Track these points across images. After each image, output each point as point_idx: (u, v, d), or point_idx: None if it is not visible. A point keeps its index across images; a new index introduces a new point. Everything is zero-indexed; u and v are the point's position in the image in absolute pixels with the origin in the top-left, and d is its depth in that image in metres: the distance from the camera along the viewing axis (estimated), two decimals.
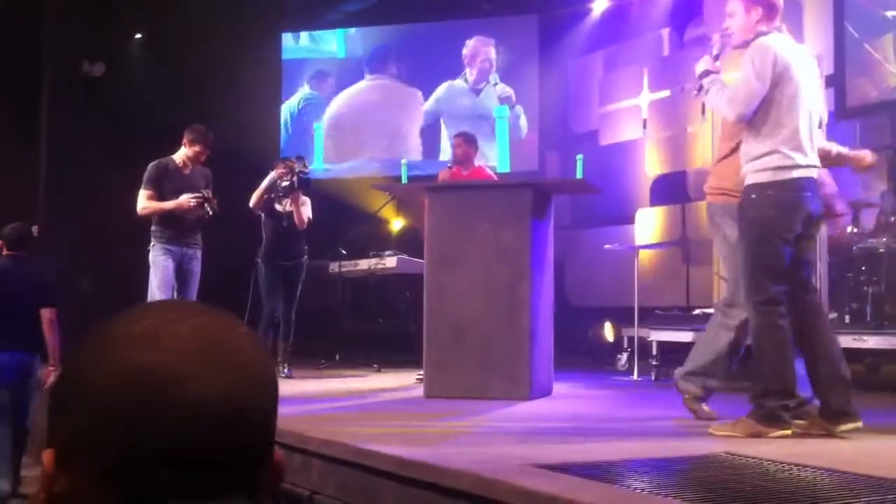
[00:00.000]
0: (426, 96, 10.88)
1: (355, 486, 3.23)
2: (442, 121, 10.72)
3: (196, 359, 0.74)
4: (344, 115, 11.20)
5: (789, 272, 3.67)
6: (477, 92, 10.75)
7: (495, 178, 6.96)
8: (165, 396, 0.72)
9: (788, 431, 3.61)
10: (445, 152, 10.07)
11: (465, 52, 10.81)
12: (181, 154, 6.14)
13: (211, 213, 6.04)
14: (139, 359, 0.73)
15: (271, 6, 10.51)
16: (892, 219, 5.81)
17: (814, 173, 3.71)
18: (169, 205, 6.01)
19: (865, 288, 5.86)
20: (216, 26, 9.78)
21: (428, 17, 10.62)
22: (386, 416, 4.52)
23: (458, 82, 10.81)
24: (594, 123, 9.92)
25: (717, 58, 3.99)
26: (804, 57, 3.82)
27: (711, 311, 4.70)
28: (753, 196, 3.68)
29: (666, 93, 9.05)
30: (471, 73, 10.77)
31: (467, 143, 6.73)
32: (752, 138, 3.74)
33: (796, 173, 3.64)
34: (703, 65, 3.94)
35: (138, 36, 10.62)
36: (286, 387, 5.48)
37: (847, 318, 5.98)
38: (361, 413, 4.63)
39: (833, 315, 5.71)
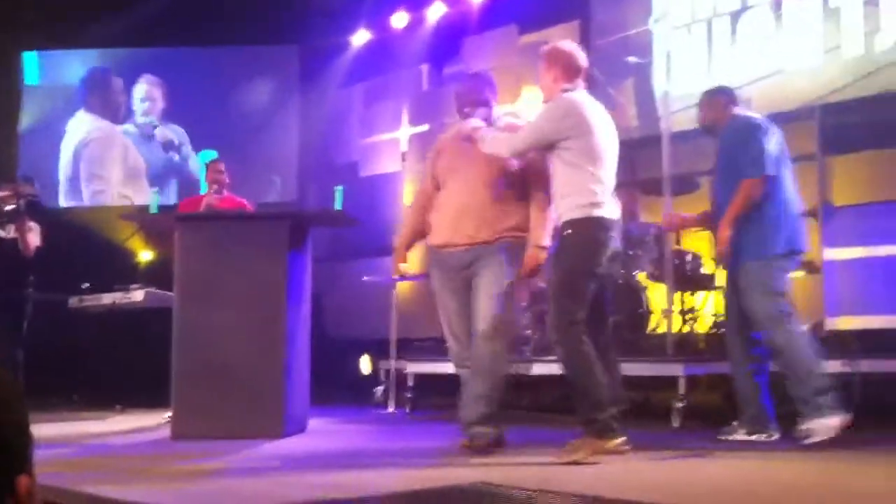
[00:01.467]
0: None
1: None
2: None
3: None
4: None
5: (589, 303, 3.95)
6: (149, 137, 10.55)
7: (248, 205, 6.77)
8: None
9: (623, 438, 3.84)
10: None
11: (137, 94, 10.62)
12: None
13: None
14: None
15: (9, 24, 9.76)
16: (630, 252, 6.17)
17: (616, 214, 4.04)
18: None
19: None
20: None
21: (186, 41, 10.26)
22: (127, 458, 4.22)
23: (129, 126, 10.58)
24: (355, 155, 9.96)
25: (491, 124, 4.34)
26: (602, 113, 4.12)
27: None
28: (569, 231, 3.97)
29: (425, 127, 9.23)
30: (143, 116, 10.58)
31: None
32: (559, 180, 4.05)
33: (604, 212, 3.97)
34: (474, 123, 4.29)
35: None
36: None
37: None
38: (99, 456, 4.29)
39: None
